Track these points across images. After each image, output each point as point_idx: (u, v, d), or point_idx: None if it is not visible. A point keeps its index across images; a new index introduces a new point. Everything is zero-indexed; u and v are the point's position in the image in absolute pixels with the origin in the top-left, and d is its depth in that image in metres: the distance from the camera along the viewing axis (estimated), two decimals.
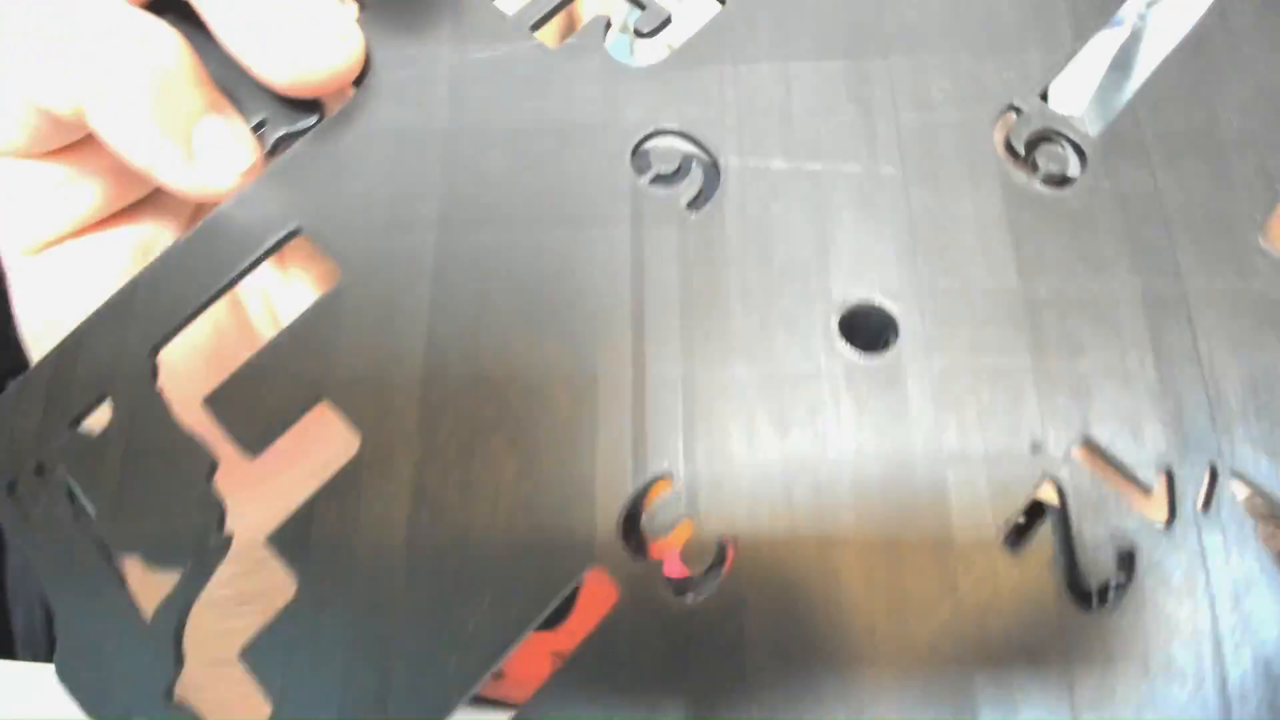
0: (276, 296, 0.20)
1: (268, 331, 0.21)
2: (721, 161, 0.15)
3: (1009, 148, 0.15)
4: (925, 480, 0.13)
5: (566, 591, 0.13)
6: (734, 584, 0.13)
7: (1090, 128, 0.15)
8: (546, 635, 0.35)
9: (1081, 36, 0.16)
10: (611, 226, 0.15)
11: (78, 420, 0.15)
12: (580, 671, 0.13)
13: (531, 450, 0.14)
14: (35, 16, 0.15)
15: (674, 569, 0.13)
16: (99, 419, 0.15)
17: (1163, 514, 0.13)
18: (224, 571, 0.22)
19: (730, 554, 0.13)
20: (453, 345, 0.14)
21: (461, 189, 0.16)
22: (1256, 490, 0.13)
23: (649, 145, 0.16)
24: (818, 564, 0.13)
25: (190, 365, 0.18)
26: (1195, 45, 0.16)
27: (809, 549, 0.13)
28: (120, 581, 0.14)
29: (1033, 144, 0.15)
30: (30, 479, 0.14)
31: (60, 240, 0.17)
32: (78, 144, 0.16)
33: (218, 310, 0.19)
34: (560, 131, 0.16)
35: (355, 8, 0.17)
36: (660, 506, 0.14)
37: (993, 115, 0.16)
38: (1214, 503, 0.13)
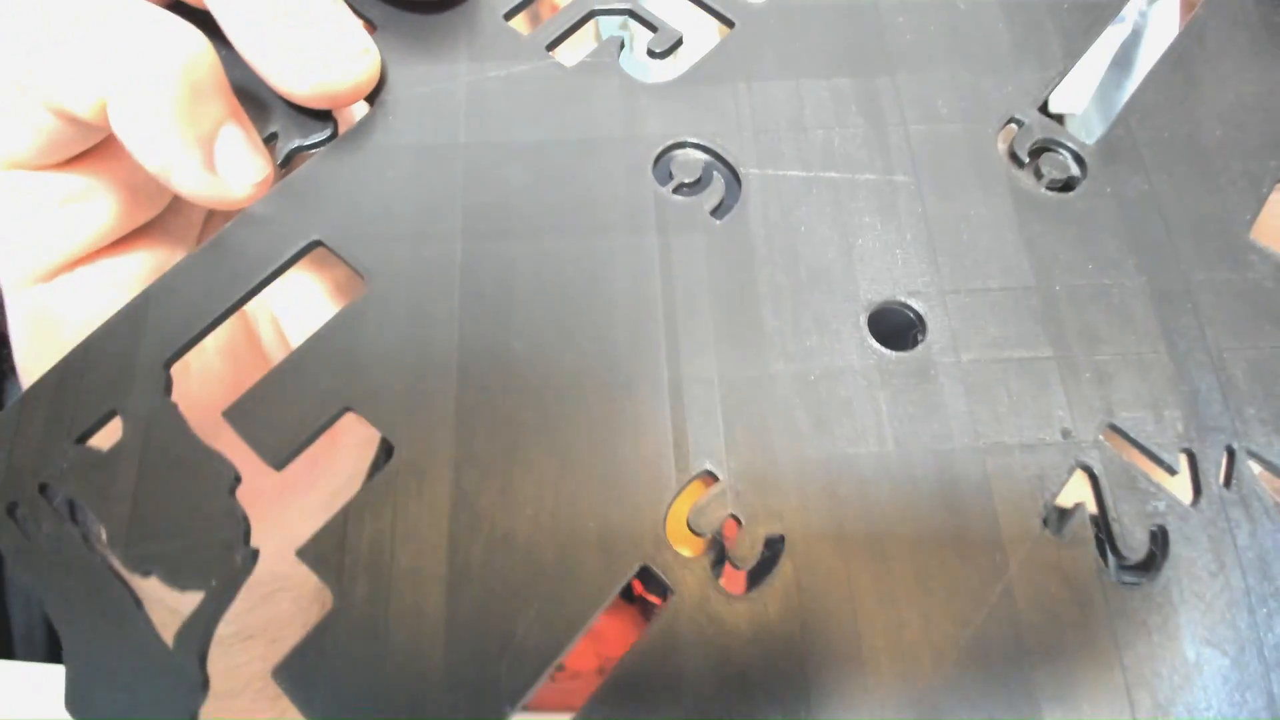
0: (286, 319, 0.20)
1: (271, 341, 0.20)
2: (741, 171, 0.16)
3: (1013, 156, 0.16)
4: (965, 470, 0.14)
5: (617, 592, 0.13)
6: (787, 582, 0.13)
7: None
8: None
9: (1071, 55, 0.17)
10: (638, 234, 0.15)
11: (85, 437, 0.14)
12: (635, 676, 0.12)
13: (571, 452, 0.14)
14: (56, 11, 0.14)
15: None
16: (106, 436, 0.14)
17: (1189, 493, 0.14)
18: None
19: (781, 550, 0.13)
20: (485, 352, 0.14)
21: (484, 200, 0.16)
22: (1270, 469, 0.14)
23: (670, 156, 0.16)
24: (869, 558, 0.13)
25: (202, 377, 0.17)
26: (1175, 61, 0.17)
27: (859, 543, 0.13)
28: (138, 605, 0.13)
29: (1035, 153, 0.16)
30: (33, 500, 0.13)
31: (71, 265, 0.16)
32: (88, 156, 0.16)
33: (232, 333, 0.19)
34: (580, 144, 0.16)
35: (369, 29, 0.17)
36: (706, 505, 0.13)
37: (995, 127, 0.16)
38: (1234, 480, 0.14)
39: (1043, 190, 0.16)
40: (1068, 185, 0.16)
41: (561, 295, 0.15)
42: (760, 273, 0.15)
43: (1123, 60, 0.30)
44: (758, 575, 0.13)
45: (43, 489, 0.13)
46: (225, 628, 0.21)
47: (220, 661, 0.17)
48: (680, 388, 0.14)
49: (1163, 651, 0.13)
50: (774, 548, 0.13)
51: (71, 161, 0.16)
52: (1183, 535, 0.13)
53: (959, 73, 0.17)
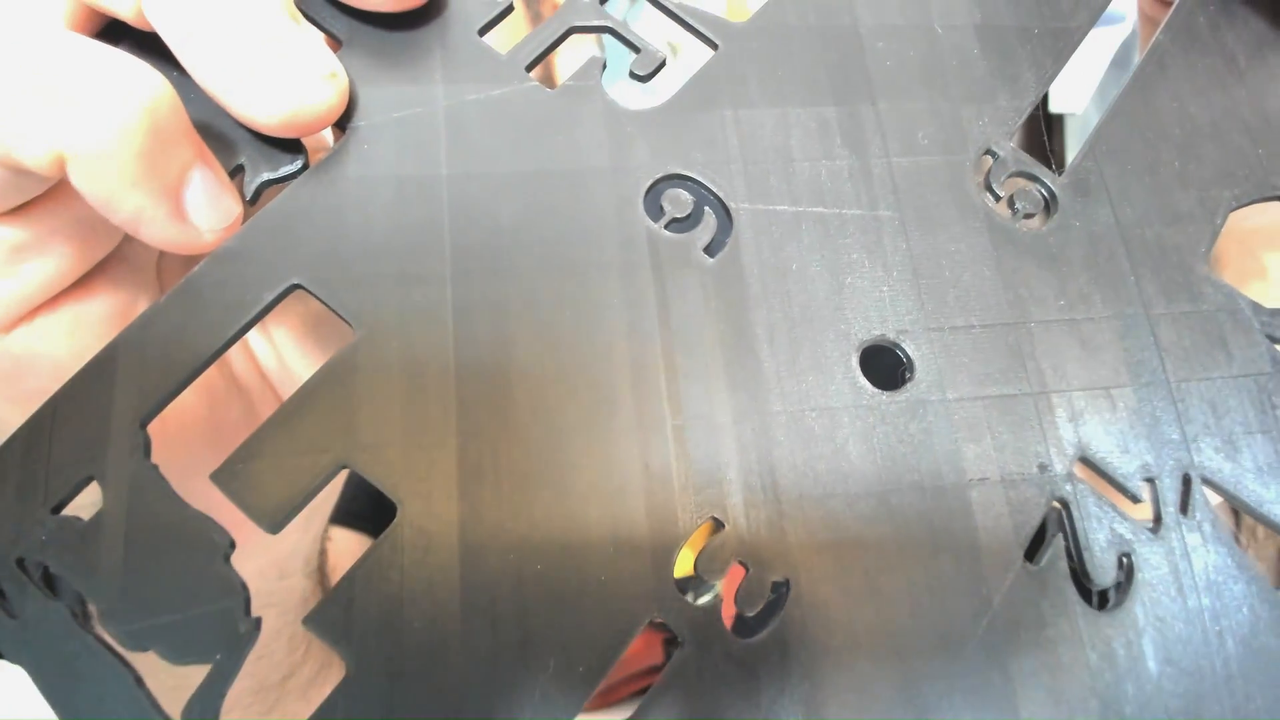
0: (262, 354, 0.19)
1: (245, 370, 0.19)
2: (732, 206, 0.16)
3: (989, 189, 0.17)
4: (954, 505, 0.14)
5: (631, 641, 0.13)
6: (793, 623, 0.13)
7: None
8: None
9: (1042, 83, 0.17)
10: (633, 273, 0.15)
11: (60, 506, 0.13)
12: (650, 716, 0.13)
13: (578, 501, 0.14)
14: (3, 58, 0.13)
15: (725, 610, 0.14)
16: (82, 502, 0.13)
17: (1150, 519, 0.15)
18: None
19: (786, 595, 0.14)
20: (485, 402, 0.14)
21: (472, 238, 0.15)
22: (1223, 494, 0.15)
23: (660, 189, 0.16)
24: (869, 596, 0.14)
25: (177, 435, 0.16)
26: (1138, 89, 0.18)
27: (858, 581, 0.14)
28: (140, 685, 0.12)
29: (1009, 184, 0.17)
30: (14, 575, 0.13)
31: (30, 315, 0.15)
32: (39, 199, 0.15)
33: (207, 373, 0.18)
34: (568, 175, 0.16)
35: (333, 46, 0.16)
36: (713, 550, 0.14)
37: (972, 159, 0.17)
38: (1190, 506, 0.15)
39: (1017, 224, 0.16)
40: (1041, 217, 0.17)
41: (559, 339, 0.15)
42: (756, 313, 0.15)
43: (1123, 60, 0.31)
44: (763, 619, 0.14)
45: (20, 564, 0.13)
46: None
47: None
48: (684, 432, 0.14)
49: (1130, 675, 0.14)
50: (778, 590, 0.14)
51: (21, 208, 0.14)
52: (1146, 561, 0.14)
53: (938, 101, 0.17)
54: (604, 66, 0.17)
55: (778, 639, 0.13)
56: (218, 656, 0.13)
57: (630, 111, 0.16)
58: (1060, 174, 0.17)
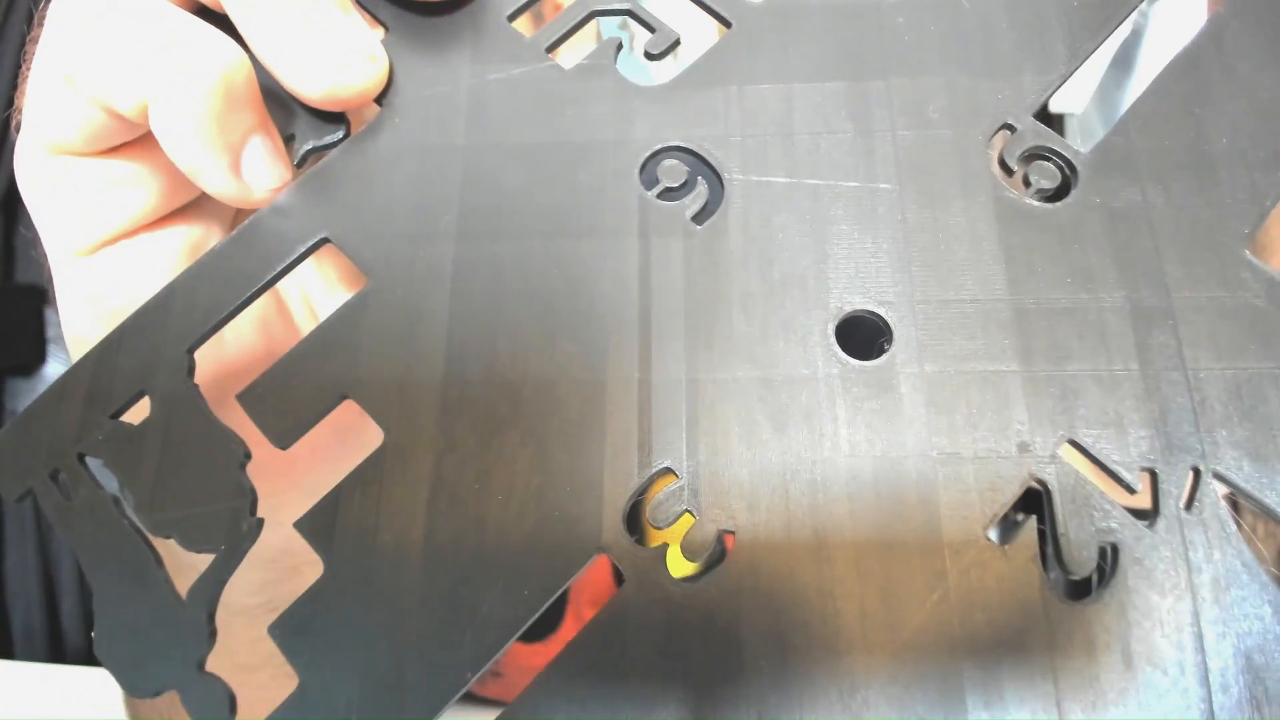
0: (316, 296, 0.22)
1: (301, 313, 0.22)
2: (726, 177, 0.16)
3: (1003, 164, 0.16)
4: (916, 478, 0.14)
5: (575, 577, 0.14)
6: (732, 574, 0.14)
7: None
8: (539, 647, 0.36)
9: (1076, 56, 0.17)
10: (621, 238, 0.16)
11: (118, 413, 0.16)
12: (584, 654, 0.14)
13: (544, 445, 0.15)
14: (105, 16, 0.16)
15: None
16: (138, 413, 0.16)
17: (1147, 512, 0.14)
18: (255, 579, 0.22)
19: (729, 545, 0.14)
20: (471, 348, 0.15)
21: (479, 202, 0.16)
22: (1239, 492, 0.14)
23: (656, 160, 0.17)
24: (813, 555, 0.14)
25: (237, 362, 0.19)
26: (1188, 64, 0.16)
27: (805, 541, 0.14)
28: (159, 564, 0.15)
29: (1025, 160, 0.16)
30: (73, 467, 0.15)
31: (114, 240, 0.18)
32: (134, 144, 0.17)
33: (265, 309, 0.20)
34: (572, 147, 0.17)
35: (381, 31, 0.18)
36: (663, 500, 0.14)
37: (987, 133, 0.16)
38: (1197, 502, 0.14)
39: (1028, 200, 0.16)
40: (1057, 194, 0.16)
41: (545, 297, 0.16)
42: (734, 280, 0.16)
43: (1123, 60, 0.29)
44: (707, 567, 0.14)
45: (80, 458, 0.15)
46: (253, 598, 0.23)
47: (245, 632, 0.18)
48: (649, 388, 0.15)
49: (1102, 669, 0.13)
50: (724, 542, 0.14)
51: (116, 149, 0.17)
52: (1134, 555, 0.13)
53: (955, 76, 0.17)
54: (620, 47, 0.18)
55: (717, 587, 0.14)
56: (222, 547, 0.14)
57: (639, 88, 0.17)
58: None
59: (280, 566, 0.22)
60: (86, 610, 0.38)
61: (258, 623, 0.19)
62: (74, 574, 0.37)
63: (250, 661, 0.20)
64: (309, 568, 0.24)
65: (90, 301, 0.18)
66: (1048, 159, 0.16)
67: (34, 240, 0.19)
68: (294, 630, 0.14)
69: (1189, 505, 0.14)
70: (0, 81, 0.39)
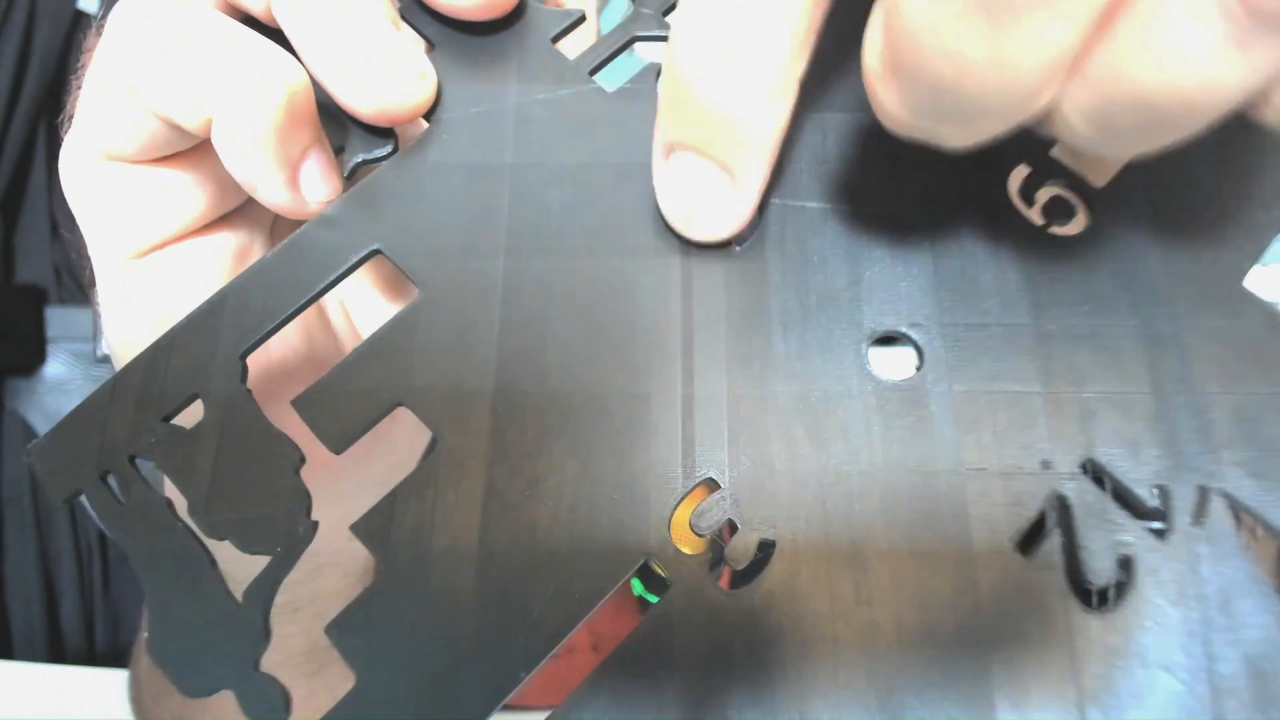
0: (352, 303, 0.22)
1: (344, 334, 0.22)
2: (764, 201, 0.17)
3: (1023, 195, 0.17)
4: (947, 491, 0.15)
5: (622, 581, 0.14)
6: (774, 581, 0.14)
7: None
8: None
9: None
10: (664, 258, 0.17)
11: (170, 416, 0.16)
12: (631, 658, 0.14)
13: (591, 455, 0.15)
14: (173, 30, 0.16)
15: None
16: (188, 417, 0.16)
17: (1160, 526, 0.15)
18: None
19: (771, 554, 0.15)
20: (521, 359, 0.16)
21: (526, 219, 0.17)
22: (1242, 509, 0.15)
23: None
24: (850, 564, 0.14)
25: (282, 366, 0.19)
26: None
27: (842, 550, 0.15)
28: (213, 564, 0.15)
29: (1043, 191, 0.17)
30: (125, 469, 0.15)
31: (164, 244, 0.18)
32: (186, 152, 0.18)
33: (308, 315, 0.21)
34: (616, 168, 0.18)
35: (426, 46, 0.19)
36: (707, 508, 0.15)
37: (1008, 165, 0.17)
38: (1203, 518, 0.15)
39: (1048, 231, 0.17)
40: (1074, 225, 0.17)
41: (592, 312, 0.16)
42: (773, 299, 0.16)
43: None
44: (749, 574, 0.15)
45: (132, 460, 0.16)
46: (277, 597, 0.23)
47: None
48: (692, 403, 0.16)
49: (1119, 673, 0.14)
50: (765, 551, 0.15)
51: (171, 156, 0.18)
52: (1148, 566, 0.14)
53: None
54: (659, 73, 0.19)
55: (760, 593, 0.14)
56: (278, 549, 0.15)
57: None
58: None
59: (303, 567, 0.22)
60: (86, 610, 0.38)
61: (280, 621, 0.19)
62: (74, 574, 0.36)
63: (271, 659, 0.21)
64: (331, 569, 0.25)
65: (139, 304, 0.18)
66: (1065, 191, 0.17)
67: (75, 245, 0.19)
68: (351, 631, 0.14)
69: (1198, 520, 0.15)
70: (0, 82, 0.39)
